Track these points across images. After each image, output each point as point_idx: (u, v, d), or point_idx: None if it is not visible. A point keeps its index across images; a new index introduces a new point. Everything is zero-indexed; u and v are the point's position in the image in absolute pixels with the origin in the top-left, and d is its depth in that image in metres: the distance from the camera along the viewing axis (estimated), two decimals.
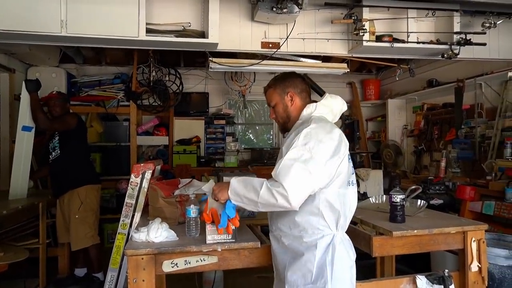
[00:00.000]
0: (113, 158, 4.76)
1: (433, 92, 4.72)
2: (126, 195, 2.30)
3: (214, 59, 3.26)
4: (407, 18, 2.98)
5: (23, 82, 3.20)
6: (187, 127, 5.09)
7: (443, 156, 4.17)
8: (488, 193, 3.27)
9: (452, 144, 4.17)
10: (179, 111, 5.07)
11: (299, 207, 1.43)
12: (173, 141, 5.03)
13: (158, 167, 2.63)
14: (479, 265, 2.00)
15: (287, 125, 1.70)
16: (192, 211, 1.77)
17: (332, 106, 1.65)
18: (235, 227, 1.68)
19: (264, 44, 2.97)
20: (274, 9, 2.67)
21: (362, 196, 2.74)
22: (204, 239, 1.69)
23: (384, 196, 2.61)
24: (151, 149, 5.17)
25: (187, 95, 5.09)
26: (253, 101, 5.89)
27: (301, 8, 2.73)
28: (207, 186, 1.68)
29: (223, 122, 5.32)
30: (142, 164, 2.30)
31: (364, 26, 2.82)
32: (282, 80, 1.69)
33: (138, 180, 2.28)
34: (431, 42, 3.04)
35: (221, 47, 2.90)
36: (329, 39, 3.03)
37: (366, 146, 5.79)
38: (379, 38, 2.95)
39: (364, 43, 2.90)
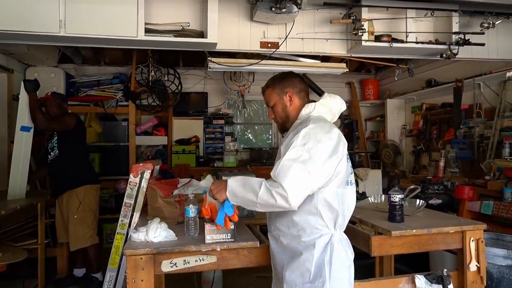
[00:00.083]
0: (112, 158, 4.76)
1: (432, 92, 4.73)
2: (125, 195, 2.30)
3: (213, 59, 3.26)
4: (406, 18, 2.98)
5: (22, 82, 3.20)
6: (186, 127, 5.09)
7: (441, 156, 4.18)
8: (486, 193, 3.28)
9: (450, 144, 4.17)
10: (178, 111, 5.07)
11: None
12: (172, 141, 5.03)
13: (157, 167, 2.63)
14: (478, 265, 2.00)
15: (286, 125, 1.69)
16: (191, 211, 1.77)
17: (331, 105, 1.65)
18: (234, 226, 1.68)
19: (263, 44, 2.97)
20: (273, 9, 2.67)
21: (361, 196, 2.74)
22: (203, 239, 1.69)
23: (383, 195, 2.61)
24: (150, 149, 5.17)
25: (186, 95, 5.09)
26: (252, 101, 5.89)
27: (300, 8, 2.73)
28: (205, 182, 1.68)
29: (222, 122, 5.31)
30: (141, 164, 2.30)
31: (363, 26, 2.82)
32: (281, 80, 1.69)
33: (137, 180, 2.28)
34: (430, 42, 3.04)
35: (220, 47, 2.90)
36: (328, 39, 3.03)
37: (365, 146, 5.80)
38: (378, 38, 2.95)
39: (363, 43, 2.90)
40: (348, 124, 5.78)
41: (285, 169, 1.41)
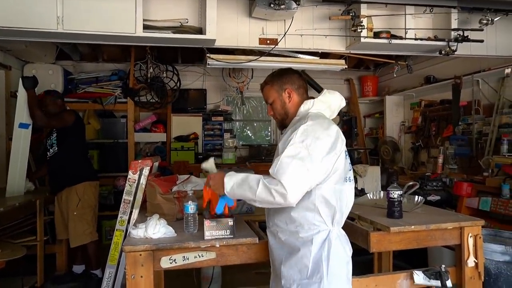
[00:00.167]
0: (111, 155, 4.74)
1: (431, 89, 4.73)
2: (124, 192, 2.30)
3: (212, 56, 3.25)
4: (405, 14, 2.98)
5: (20, 79, 3.19)
6: (185, 124, 5.08)
7: (440, 152, 4.19)
8: (484, 189, 3.29)
9: (449, 140, 4.18)
10: (176, 107, 5.06)
11: None
12: (171, 138, 5.02)
13: (156, 164, 2.63)
14: (476, 261, 2.01)
15: (285, 122, 1.69)
16: (190, 207, 1.77)
17: (330, 102, 1.65)
18: (233, 223, 1.69)
19: (262, 41, 2.97)
20: (272, 5, 2.67)
21: (360, 192, 2.74)
22: (202, 235, 1.69)
23: (382, 192, 2.61)
24: (148, 146, 5.16)
25: (184, 92, 5.08)
26: (251, 97, 5.88)
27: (299, 4, 2.73)
28: (207, 164, 1.70)
29: (221, 118, 5.31)
30: (140, 161, 2.30)
31: (362, 22, 2.82)
32: (279, 76, 1.68)
33: (136, 176, 2.29)
34: (428, 39, 3.04)
35: (218, 44, 2.90)
36: (327, 35, 3.03)
37: (364, 143, 5.80)
38: (377, 35, 2.95)
39: (362, 40, 2.90)
40: (347, 121, 5.77)
41: (284, 166, 1.41)
